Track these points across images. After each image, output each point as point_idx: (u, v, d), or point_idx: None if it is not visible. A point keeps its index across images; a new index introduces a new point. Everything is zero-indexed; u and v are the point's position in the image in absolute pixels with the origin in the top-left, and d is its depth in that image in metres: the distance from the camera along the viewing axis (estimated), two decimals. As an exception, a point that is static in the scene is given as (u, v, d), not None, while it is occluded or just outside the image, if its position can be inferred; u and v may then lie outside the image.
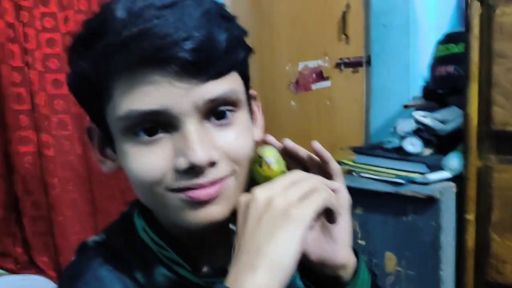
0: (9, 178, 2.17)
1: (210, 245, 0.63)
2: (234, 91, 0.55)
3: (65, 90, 2.20)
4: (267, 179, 0.56)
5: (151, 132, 0.52)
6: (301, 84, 2.47)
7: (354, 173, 1.69)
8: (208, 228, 0.55)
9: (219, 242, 0.62)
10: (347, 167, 1.72)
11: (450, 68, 1.74)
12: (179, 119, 0.51)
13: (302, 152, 0.62)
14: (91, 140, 0.62)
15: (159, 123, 0.52)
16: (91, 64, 0.52)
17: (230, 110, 0.55)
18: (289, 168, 0.60)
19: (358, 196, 1.54)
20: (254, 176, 0.58)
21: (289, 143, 0.62)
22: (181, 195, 0.53)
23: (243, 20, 0.58)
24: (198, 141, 0.51)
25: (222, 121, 0.54)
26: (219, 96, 0.52)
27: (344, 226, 0.60)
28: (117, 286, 0.58)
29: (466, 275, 1.47)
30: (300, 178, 0.54)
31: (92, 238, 0.66)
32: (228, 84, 0.54)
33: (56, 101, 2.19)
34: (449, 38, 1.79)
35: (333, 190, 0.56)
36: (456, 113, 1.65)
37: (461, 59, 1.54)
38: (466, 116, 1.47)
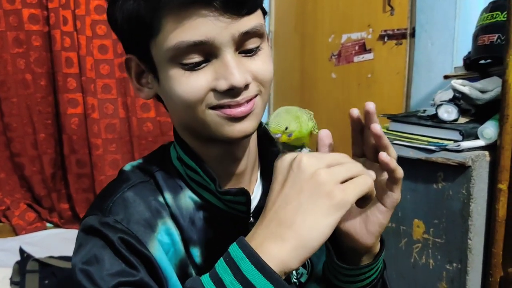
0: (58, 138, 2.30)
1: (235, 173, 0.71)
2: (262, 25, 0.63)
3: (110, 55, 2.29)
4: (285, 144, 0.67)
5: (198, 63, 0.60)
6: (343, 56, 2.45)
7: (387, 141, 1.65)
8: (242, 140, 0.65)
9: (244, 170, 0.71)
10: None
11: (493, 37, 1.66)
12: (219, 49, 0.60)
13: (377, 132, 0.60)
14: (128, 70, 0.70)
15: (203, 53, 0.60)
16: (141, 4, 0.59)
17: (259, 44, 0.63)
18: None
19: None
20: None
21: (376, 128, 0.59)
22: (219, 112, 0.62)
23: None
24: (236, 67, 0.60)
25: (252, 52, 0.63)
26: (251, 29, 0.61)
27: (382, 220, 0.63)
28: (141, 206, 0.67)
29: (496, 245, 1.43)
30: (347, 160, 0.55)
31: (130, 163, 0.75)
32: (256, 19, 0.62)
33: (102, 66, 2.28)
34: (495, 6, 1.71)
35: None
36: (496, 83, 1.58)
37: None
38: (504, 84, 1.41)
